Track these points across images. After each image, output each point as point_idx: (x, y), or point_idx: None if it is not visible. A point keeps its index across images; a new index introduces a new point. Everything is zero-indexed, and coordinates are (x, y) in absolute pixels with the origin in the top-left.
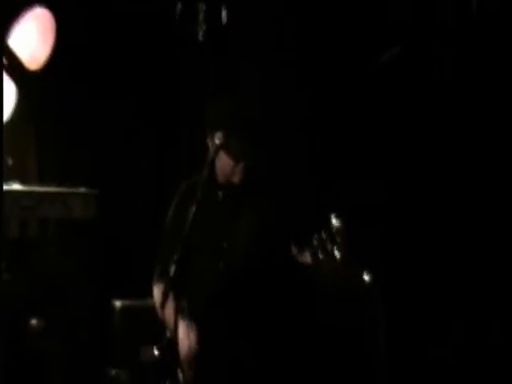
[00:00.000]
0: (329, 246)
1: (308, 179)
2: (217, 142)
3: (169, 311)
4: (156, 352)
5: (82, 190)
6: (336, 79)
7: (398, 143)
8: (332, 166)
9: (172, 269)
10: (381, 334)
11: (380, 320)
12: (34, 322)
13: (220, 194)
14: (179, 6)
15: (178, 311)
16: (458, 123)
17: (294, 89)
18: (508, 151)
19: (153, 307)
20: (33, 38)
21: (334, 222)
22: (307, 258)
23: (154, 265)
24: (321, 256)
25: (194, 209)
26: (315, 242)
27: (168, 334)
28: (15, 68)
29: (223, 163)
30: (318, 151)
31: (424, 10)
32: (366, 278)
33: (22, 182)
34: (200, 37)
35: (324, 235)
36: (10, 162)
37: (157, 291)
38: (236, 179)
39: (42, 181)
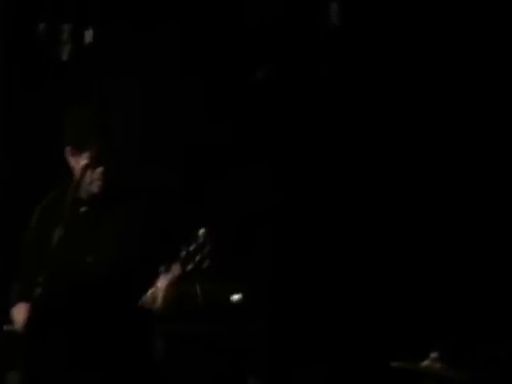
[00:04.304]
0: (197, 258)
1: (176, 190)
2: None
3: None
4: None
5: None
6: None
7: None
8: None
9: (37, 291)
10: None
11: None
12: None
13: (83, 209)
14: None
15: None
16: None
17: (173, 102)
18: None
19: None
20: None
21: (203, 233)
22: (176, 269)
23: (12, 286)
24: (189, 267)
25: (59, 229)
26: (183, 254)
27: None
28: None
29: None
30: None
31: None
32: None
33: None
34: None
35: (192, 247)
36: None
37: (19, 313)
38: (95, 187)
39: None
